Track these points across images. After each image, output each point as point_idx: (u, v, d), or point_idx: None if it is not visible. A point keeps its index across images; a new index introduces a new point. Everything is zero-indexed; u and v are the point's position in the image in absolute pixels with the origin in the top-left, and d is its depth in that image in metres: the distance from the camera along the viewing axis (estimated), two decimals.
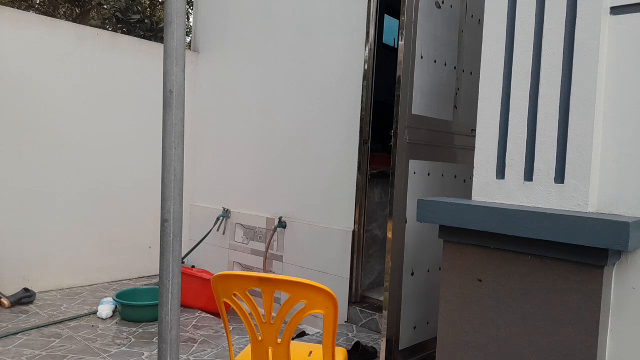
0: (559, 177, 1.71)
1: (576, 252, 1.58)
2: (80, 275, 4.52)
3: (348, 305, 3.80)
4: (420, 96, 2.93)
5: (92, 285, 4.58)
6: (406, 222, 2.92)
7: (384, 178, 4.00)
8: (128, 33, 8.06)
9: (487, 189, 1.87)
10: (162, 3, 10.72)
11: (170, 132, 1.52)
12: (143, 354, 3.14)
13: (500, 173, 1.84)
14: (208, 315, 3.98)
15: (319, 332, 3.67)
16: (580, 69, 1.67)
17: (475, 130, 1.92)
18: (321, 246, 3.98)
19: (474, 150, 1.91)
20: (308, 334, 3.75)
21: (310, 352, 2.20)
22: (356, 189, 3.80)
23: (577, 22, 1.68)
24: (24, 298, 3.92)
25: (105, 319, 3.72)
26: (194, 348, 3.30)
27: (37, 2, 10.57)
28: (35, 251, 4.23)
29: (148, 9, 10.44)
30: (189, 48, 5.47)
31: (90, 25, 7.59)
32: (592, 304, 1.58)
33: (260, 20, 4.60)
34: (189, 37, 6.81)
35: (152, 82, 4.80)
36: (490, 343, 1.79)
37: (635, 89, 1.62)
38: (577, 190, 1.67)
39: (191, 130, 5.22)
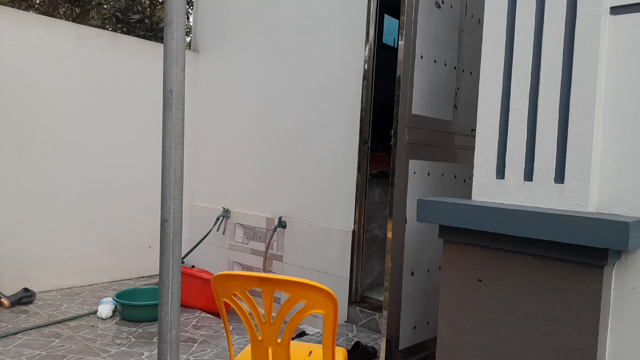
0: (559, 177, 1.71)
1: (576, 252, 1.58)
2: (80, 275, 4.52)
3: (348, 305, 3.80)
4: (420, 96, 2.93)
5: (92, 285, 4.58)
6: (406, 222, 2.92)
7: (384, 178, 4.00)
8: (128, 33, 8.06)
9: (487, 189, 1.87)
10: (162, 3, 10.72)
11: (170, 132, 1.52)
12: (143, 354, 3.14)
13: (500, 173, 1.84)
14: (208, 315, 3.97)
15: (319, 332, 3.67)
16: (580, 69, 1.67)
17: (475, 130, 1.92)
18: (321, 246, 3.98)
19: (474, 150, 1.91)
20: (308, 334, 3.75)
21: (310, 352, 2.20)
22: (356, 189, 3.80)
23: (577, 22, 1.68)
24: (24, 298, 3.92)
25: (105, 319, 3.72)
26: (194, 348, 3.30)
27: (37, 2, 10.57)
28: (35, 251, 4.24)
29: (148, 9, 10.44)
30: (189, 48, 5.47)
31: (90, 25, 7.59)
32: (592, 304, 1.58)
33: (260, 20, 4.60)
34: (189, 37, 6.81)
35: (152, 82, 4.80)
36: (490, 343, 1.79)
37: (635, 89, 1.62)
38: (577, 190, 1.67)
39: (191, 130, 5.22)
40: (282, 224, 4.25)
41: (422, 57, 2.91)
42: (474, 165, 1.91)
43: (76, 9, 10.49)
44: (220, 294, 1.81)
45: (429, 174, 3.06)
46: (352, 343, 3.23)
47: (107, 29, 8.40)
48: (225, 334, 3.17)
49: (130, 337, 3.41)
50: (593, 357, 1.57)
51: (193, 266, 4.89)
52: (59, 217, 4.36)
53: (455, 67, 3.20)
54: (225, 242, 4.80)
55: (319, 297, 1.69)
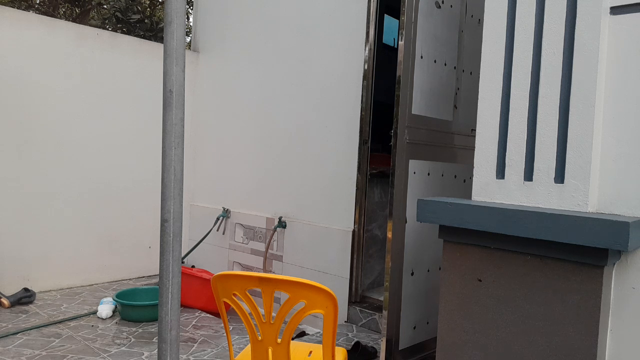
0: (559, 177, 1.71)
1: (576, 252, 1.58)
2: (80, 275, 4.52)
3: (348, 305, 3.80)
4: (420, 96, 2.93)
5: (92, 285, 4.58)
6: (406, 222, 2.92)
7: (384, 178, 4.00)
8: (128, 33, 8.06)
9: (487, 189, 1.87)
10: (162, 3, 10.72)
11: (170, 132, 1.52)
12: (143, 354, 3.14)
13: (500, 173, 1.84)
14: (208, 315, 3.97)
15: (319, 332, 3.67)
16: (580, 69, 1.67)
17: (475, 130, 1.92)
18: (321, 246, 3.98)
19: (474, 150, 1.91)
20: (308, 334, 3.75)
21: (310, 352, 2.20)
22: (356, 189, 3.80)
23: (577, 22, 1.68)
24: (24, 298, 3.92)
25: (105, 319, 3.72)
26: (194, 348, 3.30)
27: (37, 2, 10.57)
28: (35, 251, 4.24)
29: (148, 9, 10.44)
30: (189, 48, 5.47)
31: (90, 25, 7.59)
32: (592, 304, 1.58)
33: (260, 20, 4.60)
34: (189, 37, 6.81)
35: (152, 82, 4.80)
36: (490, 343, 1.79)
37: (635, 89, 1.62)
38: (577, 190, 1.67)
39: (191, 130, 5.22)
40: (282, 224, 4.25)
41: (422, 57, 2.91)
42: (474, 165, 1.91)
43: (76, 9, 10.49)
44: (220, 294, 1.81)
45: (429, 174, 3.06)
46: (352, 343, 3.23)
47: (107, 29, 8.40)
48: (225, 334, 3.17)
49: (130, 337, 3.41)
50: (593, 357, 1.57)
51: (193, 266, 4.89)
52: (59, 217, 4.36)
53: (455, 67, 3.20)
54: (225, 242, 4.80)
55: (319, 297, 1.69)
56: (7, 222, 4.07)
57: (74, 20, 9.86)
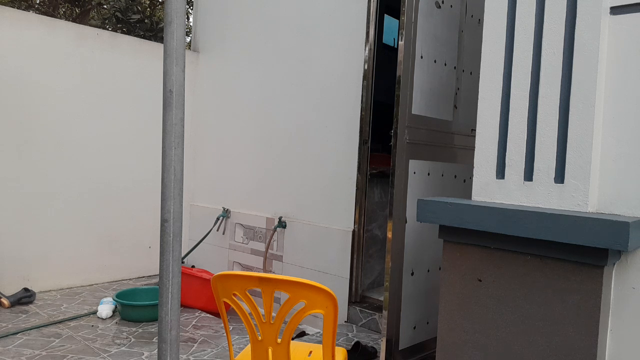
0: (559, 177, 1.71)
1: (576, 252, 1.58)
2: (80, 275, 4.52)
3: (348, 305, 3.80)
4: (420, 96, 2.93)
5: (92, 285, 4.58)
6: (406, 222, 2.92)
7: (384, 178, 4.00)
8: (128, 33, 8.06)
9: (487, 189, 1.87)
10: (162, 3, 10.72)
11: (170, 132, 1.52)
12: (143, 354, 3.14)
13: (500, 173, 1.84)
14: (208, 315, 3.98)
15: (319, 332, 3.67)
16: (580, 69, 1.67)
17: (475, 130, 1.92)
18: (321, 246, 3.98)
19: (474, 150, 1.91)
20: (308, 334, 3.75)
21: (310, 352, 2.20)
22: (356, 189, 3.80)
23: (577, 22, 1.68)
24: (24, 298, 3.92)
25: (105, 319, 3.72)
26: (194, 348, 3.30)
27: (37, 2, 10.57)
28: (35, 251, 4.24)
29: (148, 9, 10.44)
30: (189, 48, 5.47)
31: (90, 25, 7.59)
32: (592, 304, 1.58)
33: (260, 20, 4.60)
34: (189, 37, 6.81)
35: (152, 82, 4.80)
36: (490, 343, 1.79)
37: (635, 89, 1.62)
38: (577, 190, 1.67)
39: (191, 130, 5.22)
40: (282, 224, 4.25)
41: (422, 57, 2.91)
42: (474, 165, 1.91)
43: (76, 9, 10.49)
44: (220, 294, 1.81)
45: (429, 174, 3.06)
46: (352, 343, 3.23)
47: (107, 29, 8.40)
48: (225, 334, 3.17)
49: (130, 337, 3.41)
50: (593, 357, 1.57)
51: (193, 266, 4.89)
52: (59, 217, 4.36)
53: (455, 67, 3.20)
54: (225, 242, 4.80)
55: (319, 297, 1.69)
56: (7, 222, 4.07)
57: (74, 20, 9.86)
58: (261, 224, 4.48)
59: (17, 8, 7.73)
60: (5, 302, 3.81)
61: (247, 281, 1.76)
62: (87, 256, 4.55)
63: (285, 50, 4.36)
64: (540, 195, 1.75)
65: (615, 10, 1.65)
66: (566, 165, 1.69)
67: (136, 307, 3.73)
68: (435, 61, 3.02)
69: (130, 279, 4.84)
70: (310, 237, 4.06)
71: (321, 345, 1.82)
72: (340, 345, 3.28)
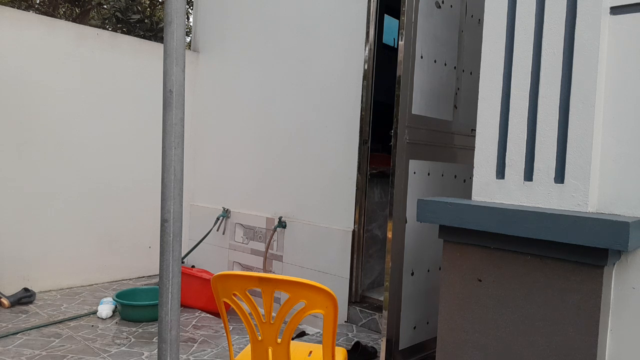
0: (559, 177, 1.71)
1: (576, 252, 1.58)
2: (80, 275, 4.52)
3: (348, 305, 3.80)
4: (420, 96, 2.93)
5: (92, 285, 4.58)
6: (406, 222, 2.92)
7: (384, 178, 4.00)
8: (128, 33, 8.06)
9: (487, 189, 1.87)
10: (162, 3, 10.72)
11: (170, 132, 1.52)
12: (143, 354, 3.14)
13: (500, 173, 1.84)
14: (208, 315, 3.98)
15: (319, 332, 3.67)
16: (580, 69, 1.67)
17: (475, 130, 1.92)
18: (321, 246, 3.98)
19: (474, 150, 1.91)
20: (308, 334, 3.75)
21: (310, 352, 2.20)
22: (356, 189, 3.80)
23: (577, 22, 1.68)
24: (24, 298, 3.92)
25: (105, 319, 3.72)
26: (194, 348, 3.30)
27: (37, 2, 10.57)
28: (35, 251, 4.24)
29: (148, 9, 10.44)
30: (189, 48, 5.47)
31: (90, 25, 7.59)
32: (592, 304, 1.58)
33: (260, 20, 4.60)
34: (189, 37, 6.81)
35: (152, 82, 4.80)
36: (490, 343, 1.79)
37: (635, 89, 1.62)
38: (577, 190, 1.67)
39: (191, 130, 5.22)
40: (282, 224, 4.25)
41: (422, 57, 2.91)
42: (474, 165, 1.91)
43: (76, 9, 10.49)
44: (220, 294, 1.81)
45: (429, 174, 3.06)
46: (352, 343, 3.23)
47: (107, 29, 8.40)
48: (225, 334, 3.17)
49: (130, 337, 3.41)
50: (593, 357, 1.57)
51: (193, 266, 4.89)
52: (59, 217, 4.36)
53: (455, 67, 3.20)
54: (225, 242, 4.80)
55: (319, 297, 1.69)
56: (7, 222, 4.07)
57: (74, 20, 9.86)
58: (261, 224, 4.48)
59: (17, 8, 7.73)
60: (5, 302, 3.81)
61: (247, 281, 1.76)
62: (87, 256, 4.55)
63: (285, 50, 4.36)
64: (540, 195, 1.75)
65: (615, 10, 1.65)
66: (566, 165, 1.69)
67: (136, 307, 3.73)
68: (435, 61, 3.02)
69: (130, 279, 4.84)
70: (310, 237, 4.06)
71: (321, 345, 1.82)
72: (340, 345, 3.28)
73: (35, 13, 8.45)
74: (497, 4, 1.86)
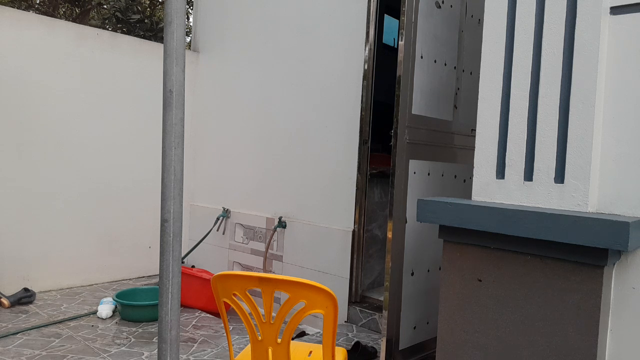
0: (559, 177, 1.71)
1: (576, 252, 1.58)
2: (80, 275, 4.52)
3: (348, 305, 3.80)
4: (420, 96, 2.93)
5: (92, 285, 4.58)
6: (406, 222, 2.92)
7: (384, 178, 4.00)
8: (128, 33, 8.06)
9: (487, 189, 1.87)
10: (162, 3, 10.72)
11: (170, 132, 1.52)
12: (143, 354, 3.14)
13: (500, 173, 1.84)
14: (208, 315, 3.98)
15: (319, 332, 3.67)
16: (580, 69, 1.67)
17: (475, 130, 1.92)
18: (321, 246, 3.98)
19: (474, 150, 1.91)
20: (308, 334, 3.75)
21: (310, 352, 2.20)
22: (356, 189, 3.80)
23: (577, 22, 1.68)
24: (24, 298, 3.92)
25: (105, 319, 3.72)
26: (194, 348, 3.30)
27: (37, 2, 10.57)
28: (35, 251, 4.24)
29: (148, 9, 10.44)
30: (189, 48, 5.47)
31: (90, 25, 7.59)
32: (592, 304, 1.58)
33: (260, 20, 4.60)
34: (189, 37, 6.81)
35: (152, 82, 4.80)
36: (490, 343, 1.79)
37: (635, 89, 1.62)
38: (577, 190, 1.67)
39: (191, 130, 5.22)
40: (282, 224, 4.25)
41: (422, 57, 2.91)
42: (474, 165, 1.91)
43: (76, 9, 10.49)
44: (220, 294, 1.81)
45: (429, 174, 3.06)
46: (352, 343, 3.23)
47: (107, 29, 8.40)
48: (225, 334, 3.17)
49: (130, 337, 3.41)
50: (593, 357, 1.57)
51: (193, 266, 4.89)
52: (59, 217, 4.36)
53: (455, 67, 3.20)
54: (225, 242, 4.80)
55: (319, 297, 1.69)
56: (7, 222, 4.07)
57: (74, 20, 9.86)
58: (261, 224, 4.48)
59: (17, 8, 7.73)
60: (5, 302, 3.81)
61: (247, 281, 1.76)
62: (87, 256, 4.55)
63: (285, 50, 4.36)
64: (540, 195, 1.75)
65: (615, 10, 1.65)
66: (566, 165, 1.69)
67: (136, 307, 3.73)
68: (435, 61, 3.02)
69: (130, 279, 4.84)
70: (310, 237, 4.06)
71: (321, 345, 1.82)
72: (340, 345, 3.28)
73: (35, 13, 8.45)
74: (497, 4, 1.86)
